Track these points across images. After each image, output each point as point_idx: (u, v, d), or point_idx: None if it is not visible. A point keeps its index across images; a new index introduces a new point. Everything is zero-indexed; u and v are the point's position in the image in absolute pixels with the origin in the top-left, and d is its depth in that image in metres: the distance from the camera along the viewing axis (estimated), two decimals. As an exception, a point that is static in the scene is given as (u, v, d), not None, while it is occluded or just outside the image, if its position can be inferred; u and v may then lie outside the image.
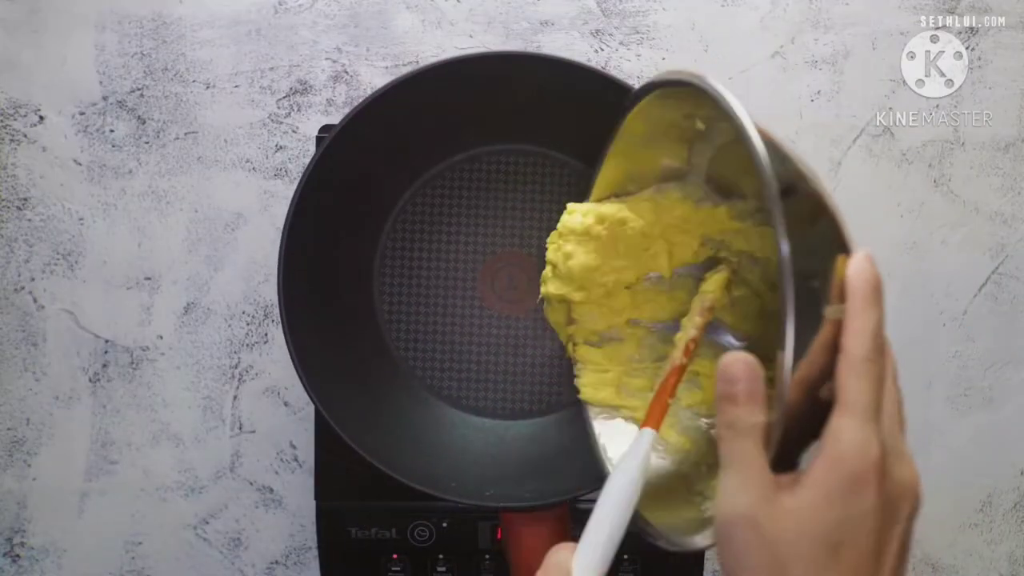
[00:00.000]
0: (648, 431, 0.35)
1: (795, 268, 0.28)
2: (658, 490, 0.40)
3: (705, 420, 0.45)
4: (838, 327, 0.29)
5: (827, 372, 0.30)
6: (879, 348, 0.29)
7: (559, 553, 0.33)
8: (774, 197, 0.29)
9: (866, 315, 0.29)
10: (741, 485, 0.29)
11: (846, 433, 0.28)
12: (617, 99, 0.46)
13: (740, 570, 0.29)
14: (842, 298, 0.30)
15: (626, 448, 0.36)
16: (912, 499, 0.30)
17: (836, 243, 0.31)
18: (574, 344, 0.51)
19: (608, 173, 0.46)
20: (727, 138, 0.42)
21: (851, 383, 0.29)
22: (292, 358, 0.49)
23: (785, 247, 0.28)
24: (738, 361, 0.31)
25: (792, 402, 0.29)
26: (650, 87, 0.39)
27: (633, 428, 0.46)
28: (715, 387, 0.31)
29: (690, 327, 0.40)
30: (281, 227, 0.50)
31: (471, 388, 0.58)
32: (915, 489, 0.30)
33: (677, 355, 0.39)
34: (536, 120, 0.56)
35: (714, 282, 0.43)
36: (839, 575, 0.28)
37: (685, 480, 0.42)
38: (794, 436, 0.30)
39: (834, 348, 0.29)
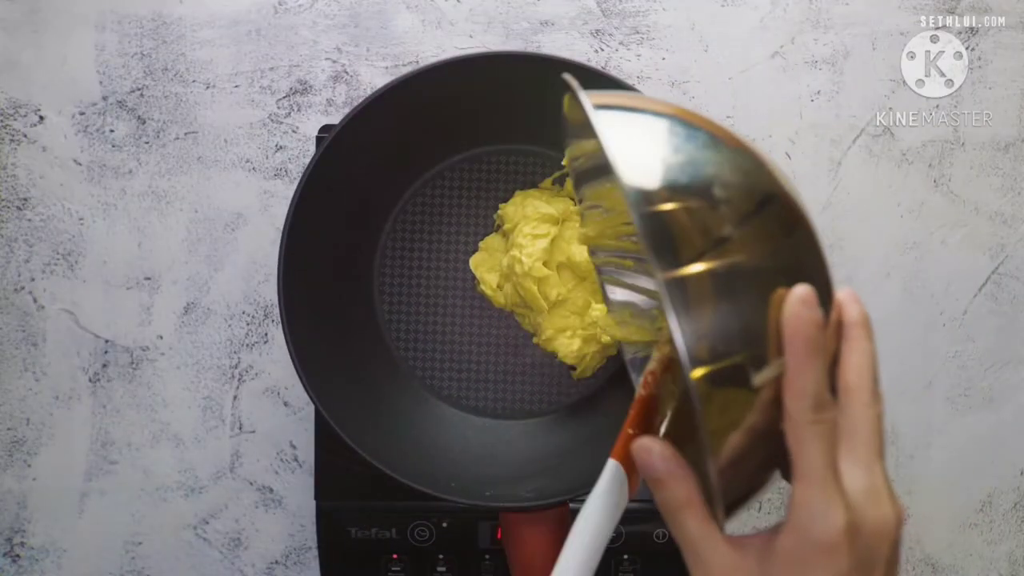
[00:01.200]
0: (612, 463, 0.34)
1: (697, 356, 0.26)
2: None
3: None
4: (779, 382, 0.27)
5: (775, 420, 0.28)
6: (823, 404, 0.27)
7: None
8: (659, 281, 0.26)
9: (805, 372, 0.27)
10: (699, 567, 0.30)
11: (808, 503, 0.27)
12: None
13: None
14: (780, 350, 0.27)
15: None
16: (890, 539, 0.28)
17: (768, 282, 0.28)
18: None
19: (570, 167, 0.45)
20: None
21: (800, 450, 0.27)
22: (292, 358, 0.49)
23: (679, 339, 0.25)
24: (642, 450, 0.31)
25: (733, 458, 0.28)
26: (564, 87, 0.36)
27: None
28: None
29: (652, 361, 0.39)
30: (281, 227, 0.50)
31: (471, 388, 0.58)
32: (893, 528, 0.28)
33: (639, 388, 0.38)
34: (536, 120, 0.56)
35: None
36: None
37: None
38: (756, 467, 0.29)
39: (778, 402, 0.28)
